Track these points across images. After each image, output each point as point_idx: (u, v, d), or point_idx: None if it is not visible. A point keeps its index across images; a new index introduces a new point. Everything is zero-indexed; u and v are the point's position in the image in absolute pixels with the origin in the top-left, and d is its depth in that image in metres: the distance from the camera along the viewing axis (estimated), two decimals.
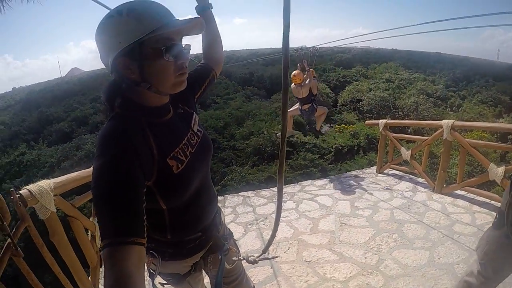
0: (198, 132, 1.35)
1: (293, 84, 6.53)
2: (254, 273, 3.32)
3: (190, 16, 1.11)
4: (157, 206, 1.17)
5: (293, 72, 6.46)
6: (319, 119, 7.72)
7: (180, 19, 1.07)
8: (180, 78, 1.10)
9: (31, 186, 2.22)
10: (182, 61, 1.08)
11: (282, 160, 1.30)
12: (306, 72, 6.67)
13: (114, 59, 1.03)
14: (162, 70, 1.05)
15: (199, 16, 1.38)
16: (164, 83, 1.09)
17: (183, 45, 1.11)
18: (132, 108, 1.12)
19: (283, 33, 1.01)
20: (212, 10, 1.60)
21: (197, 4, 1.60)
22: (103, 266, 3.32)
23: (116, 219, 0.90)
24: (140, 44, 1.00)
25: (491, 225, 1.88)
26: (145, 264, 1.05)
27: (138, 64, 1.03)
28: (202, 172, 1.33)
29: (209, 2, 1.60)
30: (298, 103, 6.94)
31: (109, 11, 1.05)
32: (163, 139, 1.15)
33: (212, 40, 1.62)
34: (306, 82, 6.51)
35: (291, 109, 7.03)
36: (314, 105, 6.79)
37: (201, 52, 1.64)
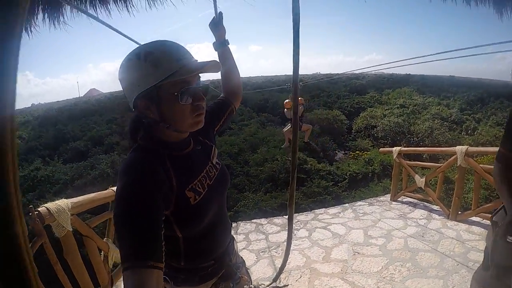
0: (216, 165, 1.41)
1: (285, 109, 10.02)
2: None
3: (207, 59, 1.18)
4: (173, 234, 1.21)
5: (285, 100, 10.04)
6: (306, 133, 11.81)
7: (198, 61, 1.14)
8: (197, 118, 1.16)
9: (49, 204, 2.32)
10: (198, 103, 1.14)
11: (293, 193, 1.34)
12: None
13: (135, 99, 1.11)
14: (178, 113, 1.12)
15: (215, 58, 1.46)
16: (181, 123, 1.15)
17: (201, 85, 1.17)
18: (153, 142, 1.19)
19: (293, 25, 1.06)
20: (228, 46, 1.72)
21: (215, 41, 1.71)
22: (113, 286, 3.36)
23: (136, 243, 0.94)
24: (158, 88, 1.07)
25: (480, 264, 1.84)
26: None
27: (156, 106, 1.10)
28: (218, 203, 1.37)
29: (226, 38, 1.71)
30: (289, 123, 10.40)
31: (132, 45, 1.14)
32: (183, 171, 1.20)
33: (230, 74, 1.71)
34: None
35: (286, 128, 10.85)
36: (300, 123, 9.97)
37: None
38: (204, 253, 1.38)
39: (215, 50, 1.74)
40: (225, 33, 1.72)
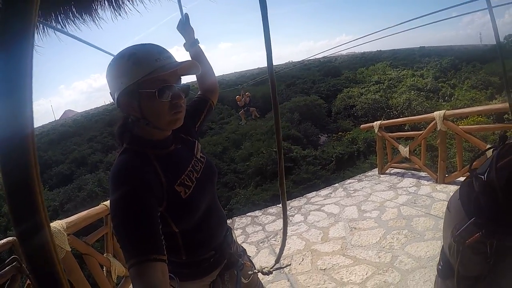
0: (201, 158, 1.44)
1: (238, 102, 14.51)
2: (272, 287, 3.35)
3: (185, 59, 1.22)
4: (169, 230, 1.24)
5: (237, 96, 14.28)
6: (253, 113, 15.44)
7: (178, 61, 1.18)
8: (175, 116, 1.19)
9: None
10: (176, 101, 1.17)
11: (282, 172, 1.37)
12: (243, 96, 14.39)
13: (119, 97, 1.16)
14: (157, 109, 1.15)
15: (191, 59, 1.48)
16: (160, 120, 1.18)
17: (180, 85, 1.21)
18: (138, 143, 1.22)
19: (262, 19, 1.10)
20: (199, 44, 1.75)
21: (185, 42, 1.73)
22: None
23: (136, 241, 1.00)
24: (138, 85, 1.11)
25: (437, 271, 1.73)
26: None
27: (137, 103, 1.14)
28: (209, 194, 1.40)
29: (196, 38, 1.73)
30: (241, 109, 14.93)
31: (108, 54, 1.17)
32: (169, 168, 1.23)
33: (204, 72, 1.73)
34: (242, 100, 14.32)
35: (241, 111, 15.21)
36: (248, 107, 14.72)
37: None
38: (203, 244, 1.40)
39: (187, 50, 1.76)
40: (194, 33, 1.75)
